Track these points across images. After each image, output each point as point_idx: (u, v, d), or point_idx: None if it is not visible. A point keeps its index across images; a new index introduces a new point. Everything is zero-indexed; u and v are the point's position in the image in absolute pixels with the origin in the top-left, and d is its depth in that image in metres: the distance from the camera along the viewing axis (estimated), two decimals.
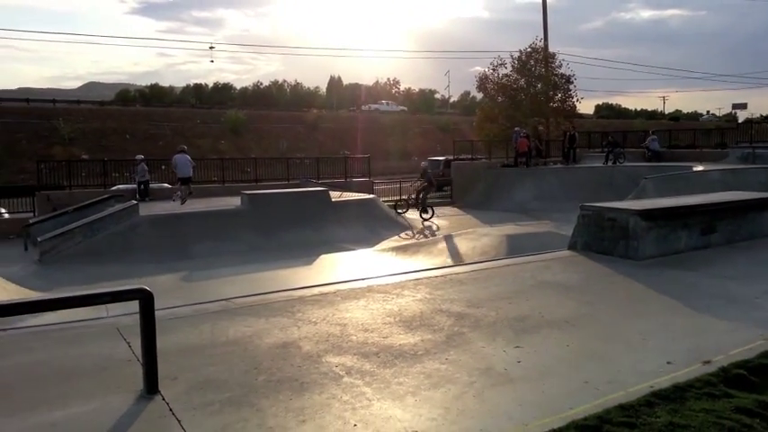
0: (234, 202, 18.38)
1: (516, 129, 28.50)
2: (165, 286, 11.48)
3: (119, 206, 16.96)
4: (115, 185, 22.11)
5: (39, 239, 15.39)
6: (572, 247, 9.66)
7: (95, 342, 5.31)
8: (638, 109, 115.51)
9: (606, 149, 28.00)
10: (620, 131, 35.50)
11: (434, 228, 20.27)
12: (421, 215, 21.18)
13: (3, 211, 20.23)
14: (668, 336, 5.49)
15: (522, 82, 34.91)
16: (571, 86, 34.77)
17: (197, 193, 20.62)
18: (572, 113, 36.00)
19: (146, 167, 20.59)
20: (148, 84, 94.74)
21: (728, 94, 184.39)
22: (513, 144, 27.68)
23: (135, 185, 20.33)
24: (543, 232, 16.10)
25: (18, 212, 19.89)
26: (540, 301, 6.60)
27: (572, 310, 6.30)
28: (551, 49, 35.19)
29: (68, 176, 21.00)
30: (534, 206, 23.07)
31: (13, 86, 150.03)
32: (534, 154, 27.95)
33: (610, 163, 26.67)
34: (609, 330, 5.65)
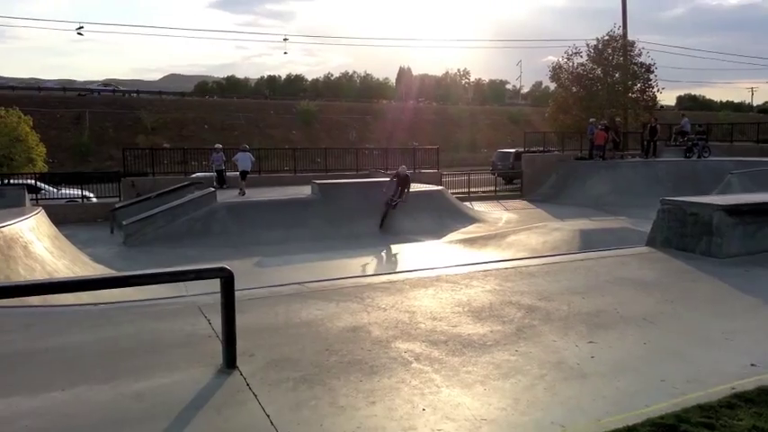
0: (305, 191, 18.79)
1: (592, 120, 27.56)
2: (241, 270, 11.74)
3: (198, 193, 17.72)
4: (194, 173, 23.10)
5: (124, 223, 16.30)
6: (650, 243, 9.31)
7: (178, 318, 5.60)
8: (724, 101, 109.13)
9: (691, 141, 26.32)
10: (704, 124, 33.64)
11: (503, 220, 19.99)
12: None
13: (91, 195, 21.49)
14: (753, 337, 5.22)
15: (599, 71, 33.65)
16: (651, 76, 33.31)
17: (270, 182, 21.34)
18: (652, 104, 34.42)
19: (223, 156, 21.34)
20: (225, 76, 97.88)
21: None
22: (589, 136, 26.80)
23: (213, 173, 21.12)
24: (619, 228, 15.59)
25: (105, 197, 21.10)
26: (616, 297, 6.41)
27: (650, 307, 6.09)
28: (630, 37, 33.80)
29: (152, 164, 22.17)
30: (609, 201, 22.26)
31: (100, 78, 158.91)
32: (611, 147, 26.95)
33: (694, 157, 25.28)
34: (689, 329, 5.43)
